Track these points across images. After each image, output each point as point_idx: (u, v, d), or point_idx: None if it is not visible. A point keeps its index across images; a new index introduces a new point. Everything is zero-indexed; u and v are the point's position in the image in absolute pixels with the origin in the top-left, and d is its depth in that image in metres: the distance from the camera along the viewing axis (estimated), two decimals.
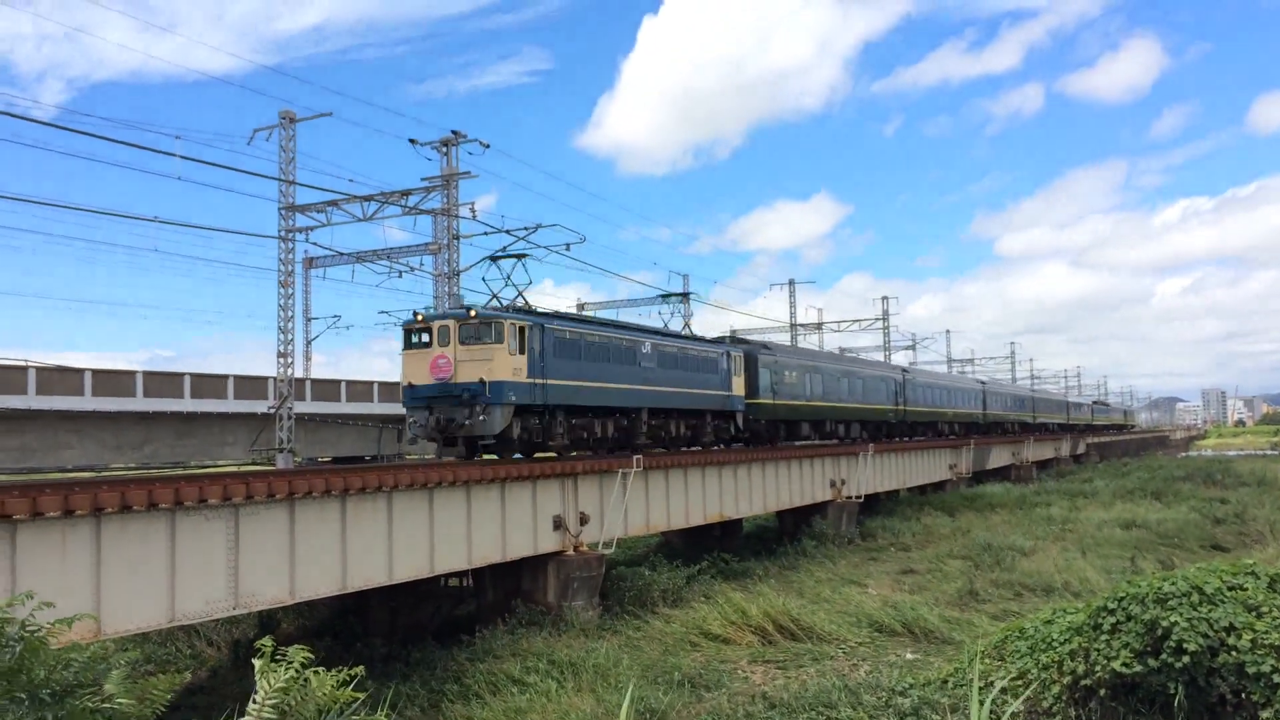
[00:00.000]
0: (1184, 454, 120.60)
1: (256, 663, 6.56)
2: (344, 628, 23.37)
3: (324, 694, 6.54)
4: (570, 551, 23.08)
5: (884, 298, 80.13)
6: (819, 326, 77.12)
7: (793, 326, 73.47)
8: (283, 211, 37.20)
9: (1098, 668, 11.90)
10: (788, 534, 36.52)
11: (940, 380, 60.54)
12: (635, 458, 25.01)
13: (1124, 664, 11.63)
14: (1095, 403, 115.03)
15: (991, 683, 12.51)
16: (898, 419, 50.93)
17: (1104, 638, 12.09)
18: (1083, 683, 12.05)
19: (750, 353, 36.53)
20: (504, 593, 22.89)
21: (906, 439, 52.03)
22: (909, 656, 19.04)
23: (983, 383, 70.42)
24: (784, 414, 37.94)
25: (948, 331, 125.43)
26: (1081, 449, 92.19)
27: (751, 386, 35.40)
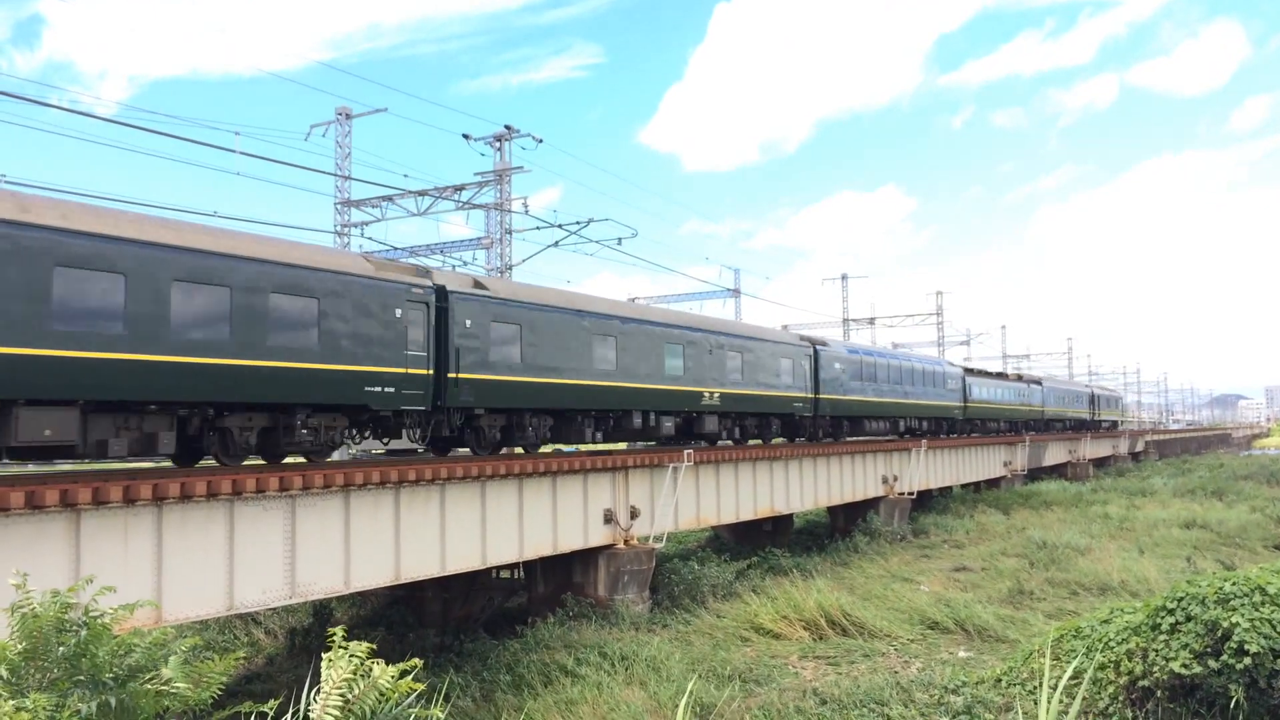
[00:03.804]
0: (1245, 452, 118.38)
1: (326, 656, 6.70)
2: (397, 618, 23.69)
3: (385, 685, 6.64)
4: (621, 545, 23.12)
5: (938, 292, 79.48)
6: (871, 321, 76.72)
7: (845, 321, 73.11)
8: (339, 206, 37.71)
9: (1156, 668, 11.72)
10: (839, 530, 36.38)
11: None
12: (686, 451, 24.98)
13: (1183, 665, 11.45)
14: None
15: (1043, 682, 12.37)
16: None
17: (1163, 638, 11.92)
18: (1140, 683, 11.88)
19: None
20: (555, 585, 23.01)
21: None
22: (962, 654, 18.87)
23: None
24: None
25: (1003, 327, 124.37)
26: (1140, 447, 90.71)
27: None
